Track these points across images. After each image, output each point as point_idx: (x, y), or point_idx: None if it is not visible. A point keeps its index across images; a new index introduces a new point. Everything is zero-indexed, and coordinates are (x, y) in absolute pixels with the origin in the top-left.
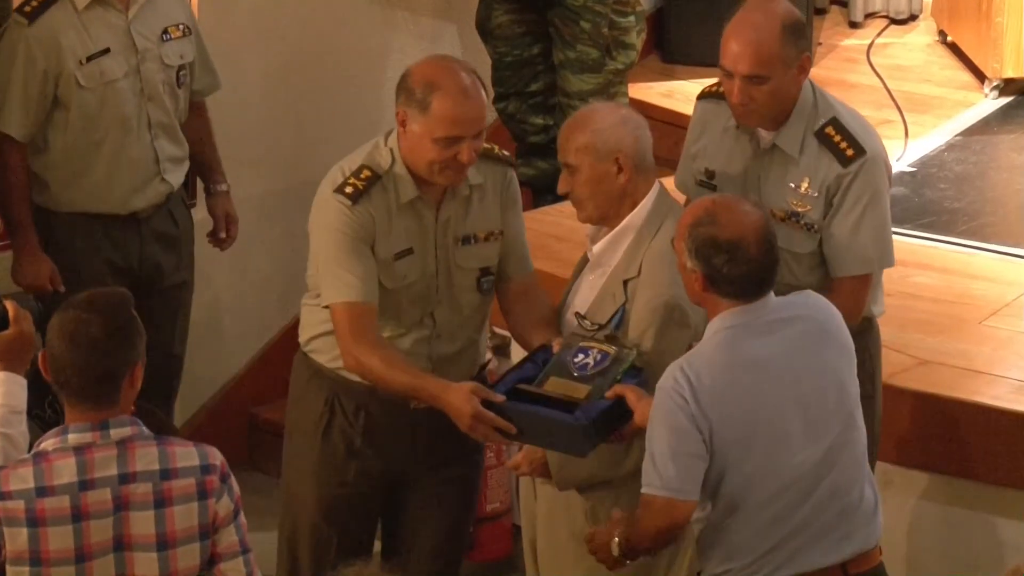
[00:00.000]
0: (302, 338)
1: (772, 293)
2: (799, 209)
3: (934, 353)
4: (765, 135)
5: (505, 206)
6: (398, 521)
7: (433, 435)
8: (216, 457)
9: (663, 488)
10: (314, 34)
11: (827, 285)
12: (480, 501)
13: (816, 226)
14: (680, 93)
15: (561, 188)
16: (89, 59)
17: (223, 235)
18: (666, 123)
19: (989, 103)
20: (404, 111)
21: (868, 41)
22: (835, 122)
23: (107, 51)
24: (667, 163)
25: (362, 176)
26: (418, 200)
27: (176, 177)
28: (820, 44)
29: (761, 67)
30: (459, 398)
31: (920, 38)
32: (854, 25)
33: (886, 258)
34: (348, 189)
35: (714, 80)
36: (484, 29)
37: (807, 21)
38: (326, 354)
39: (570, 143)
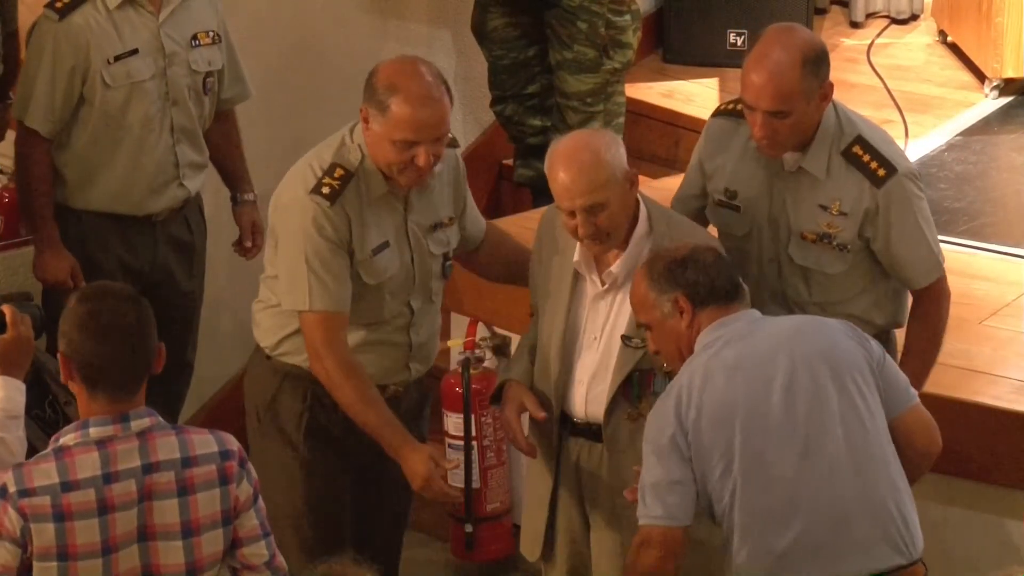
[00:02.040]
0: (266, 343)
1: (756, 312)
2: (830, 231)
3: None
4: (790, 157)
5: (457, 185)
6: (366, 498)
7: (406, 411)
8: (233, 443)
9: (649, 518)
10: (314, 36)
11: (847, 298)
12: (480, 501)
13: (848, 246)
14: (680, 93)
15: (586, 231)
16: (117, 58)
17: (249, 244)
18: (666, 123)
19: (989, 103)
20: (366, 108)
21: (868, 41)
22: (861, 140)
23: (135, 52)
24: (666, 162)
25: (336, 175)
26: (388, 193)
27: (194, 183)
28: None
29: (783, 103)
30: (418, 460)
31: (920, 38)
32: (855, 25)
33: (942, 258)
34: (325, 189)
35: (732, 98)
36: (480, 32)
37: (808, 21)
38: (300, 353)
39: (592, 184)
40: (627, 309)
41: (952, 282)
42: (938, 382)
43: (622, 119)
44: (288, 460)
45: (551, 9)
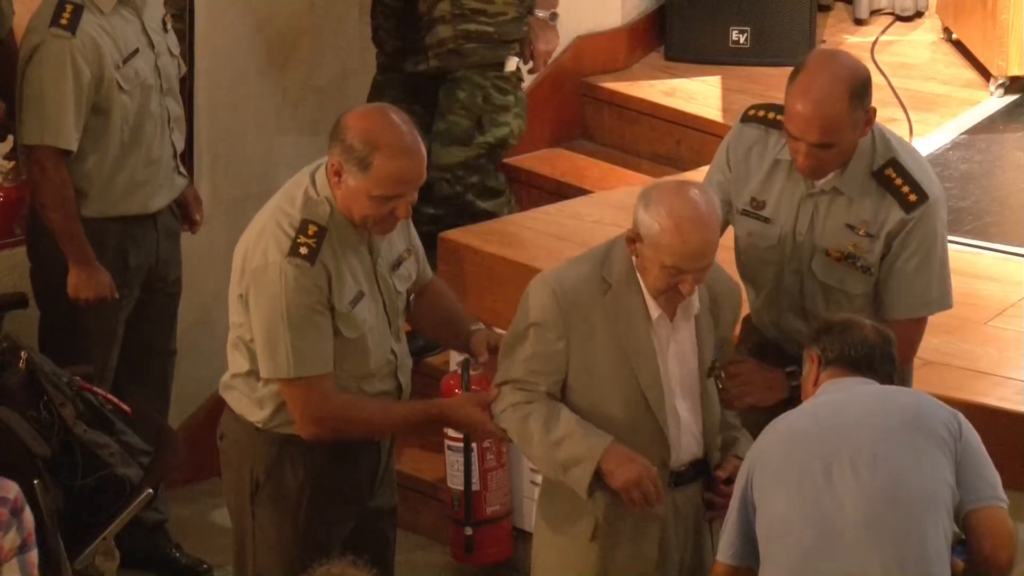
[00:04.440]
0: (257, 416)
1: (868, 380)
2: (855, 251)
3: (939, 354)
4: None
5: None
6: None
7: (386, 451)
8: (11, 491)
9: (721, 554)
10: (312, 32)
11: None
12: (480, 503)
13: (872, 269)
14: (682, 91)
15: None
16: (125, 62)
17: (197, 217)
18: (668, 121)
19: (994, 101)
20: (340, 163)
21: (873, 38)
22: (895, 163)
23: (136, 51)
24: (668, 161)
25: (310, 233)
26: (357, 242)
27: (184, 169)
28: (824, 41)
29: (830, 136)
30: (462, 412)
31: (925, 35)
32: (859, 22)
33: (945, 300)
34: (303, 250)
35: (763, 102)
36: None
37: (811, 18)
38: None
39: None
40: (693, 341)
41: (956, 282)
42: (943, 383)
43: (503, 200)
44: (287, 531)
45: (443, 83)
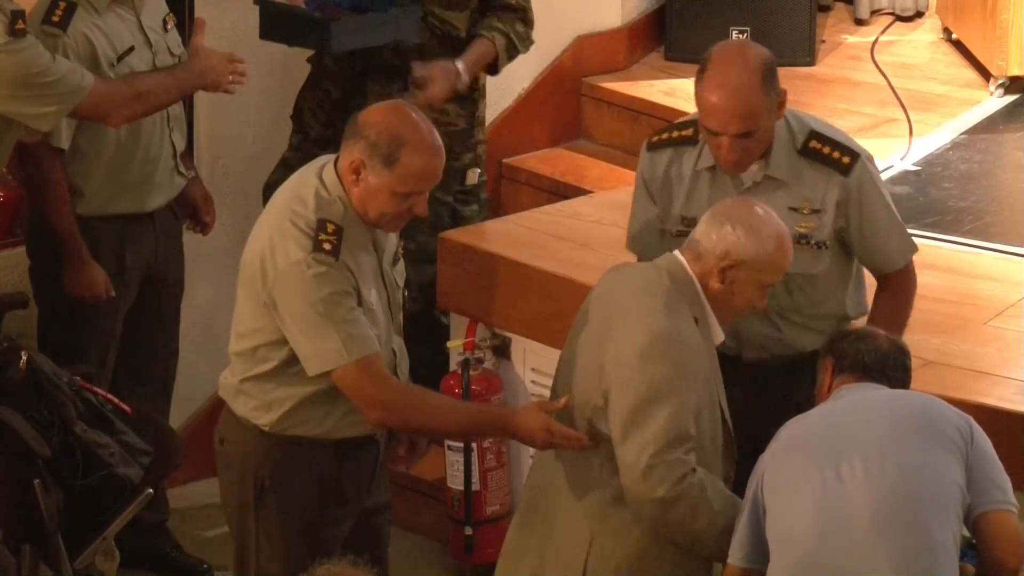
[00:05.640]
0: (265, 419)
1: (879, 385)
2: (805, 231)
3: (938, 354)
4: (750, 169)
5: None
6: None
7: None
8: None
9: (731, 556)
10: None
11: (827, 296)
12: (480, 503)
13: (827, 243)
14: (682, 91)
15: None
16: (119, 59)
17: (208, 219)
18: (668, 121)
19: (994, 101)
20: (361, 160)
21: (873, 38)
22: (815, 135)
23: (132, 49)
24: None
25: (329, 231)
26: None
27: (187, 168)
28: (824, 41)
29: (750, 124)
30: (530, 418)
31: (925, 35)
32: (859, 22)
33: (912, 242)
34: (327, 246)
35: (659, 129)
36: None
37: (811, 18)
38: (312, 420)
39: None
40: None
41: (956, 282)
42: (943, 383)
43: None
44: (293, 533)
45: None
